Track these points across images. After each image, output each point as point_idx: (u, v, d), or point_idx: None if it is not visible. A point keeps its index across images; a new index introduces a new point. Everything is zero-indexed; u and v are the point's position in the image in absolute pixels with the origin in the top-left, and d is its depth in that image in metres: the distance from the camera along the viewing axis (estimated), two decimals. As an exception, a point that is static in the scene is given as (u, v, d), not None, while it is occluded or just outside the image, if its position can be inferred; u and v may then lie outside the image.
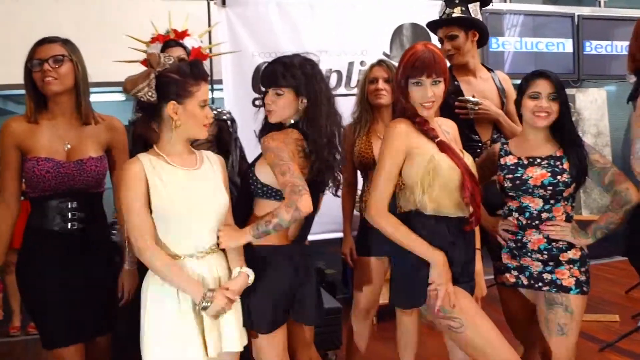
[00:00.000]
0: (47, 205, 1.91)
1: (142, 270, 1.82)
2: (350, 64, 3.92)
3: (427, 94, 1.77)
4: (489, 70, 2.68)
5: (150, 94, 1.60)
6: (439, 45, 2.46)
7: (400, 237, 1.77)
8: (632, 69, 2.11)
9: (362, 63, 3.92)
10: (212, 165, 1.78)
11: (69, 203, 1.92)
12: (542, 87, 1.95)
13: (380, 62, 2.51)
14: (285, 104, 1.80)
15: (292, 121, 1.83)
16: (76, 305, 1.89)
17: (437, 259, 1.75)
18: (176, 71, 1.64)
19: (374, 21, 4.01)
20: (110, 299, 2.03)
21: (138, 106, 1.70)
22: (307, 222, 1.89)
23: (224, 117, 2.61)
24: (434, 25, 2.62)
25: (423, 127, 1.82)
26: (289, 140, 1.76)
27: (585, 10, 5.37)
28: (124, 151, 2.04)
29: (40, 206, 1.92)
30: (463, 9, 2.51)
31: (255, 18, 3.74)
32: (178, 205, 1.63)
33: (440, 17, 2.56)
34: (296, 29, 3.80)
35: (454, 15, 2.50)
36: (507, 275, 2.06)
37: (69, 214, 1.92)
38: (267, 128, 1.91)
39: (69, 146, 1.91)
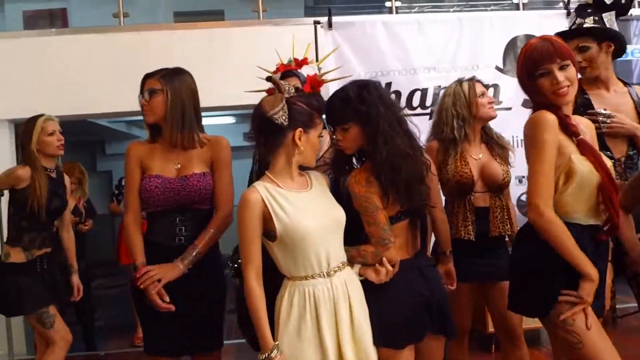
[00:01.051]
0: (157, 221, 2.04)
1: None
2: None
3: (558, 78, 1.66)
4: (626, 84, 2.44)
5: (284, 117, 1.66)
6: None
7: (564, 243, 1.63)
8: None
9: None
10: (320, 184, 1.82)
11: (176, 218, 2.02)
12: None
13: (477, 79, 2.51)
14: (353, 138, 1.79)
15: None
16: (178, 319, 1.94)
17: (593, 276, 1.63)
18: (305, 102, 1.72)
19: (484, 35, 3.89)
20: (216, 316, 2.08)
21: (257, 130, 1.73)
22: (423, 237, 1.90)
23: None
24: (563, 36, 2.41)
25: (565, 121, 1.69)
26: (371, 179, 1.75)
27: None
28: (225, 166, 2.08)
29: (152, 222, 2.06)
30: (596, 18, 2.33)
31: (361, 38, 3.77)
32: (303, 226, 1.66)
33: (570, 27, 2.39)
34: (404, 47, 3.77)
35: (585, 25, 2.32)
36: None
37: (176, 229, 2.01)
38: (340, 160, 1.90)
39: (178, 166, 2.04)
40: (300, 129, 1.68)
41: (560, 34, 2.41)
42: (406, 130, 1.81)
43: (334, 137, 1.85)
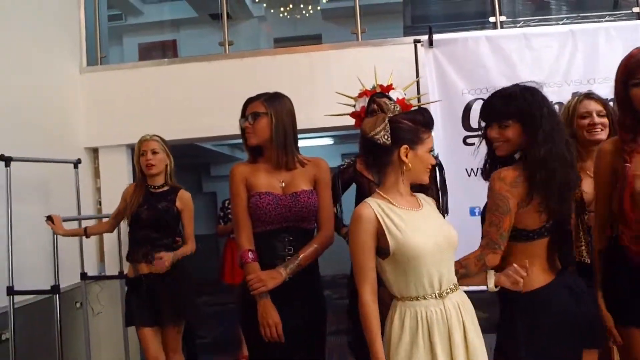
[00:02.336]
0: (266, 241, 2.05)
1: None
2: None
3: None
4: None
5: (386, 137, 1.67)
6: None
7: None
8: None
9: (588, 94, 3.49)
10: (429, 204, 1.82)
11: (285, 238, 2.04)
12: None
13: (590, 95, 2.35)
14: (512, 136, 1.76)
15: (518, 155, 1.78)
16: (283, 341, 1.94)
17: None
18: (409, 119, 1.71)
19: (600, 47, 3.58)
20: (317, 337, 2.08)
21: (364, 150, 1.76)
22: (568, 252, 1.86)
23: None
24: None
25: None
26: (519, 181, 1.71)
27: None
28: (327, 187, 2.13)
29: (260, 241, 2.06)
30: None
31: (463, 55, 3.64)
32: (416, 244, 1.63)
33: None
34: (510, 62, 3.58)
35: None
36: None
37: (285, 249, 2.03)
38: (495, 164, 1.86)
39: (283, 184, 2.08)
40: (406, 145, 1.68)
41: None
42: (564, 137, 1.78)
43: (486, 136, 1.82)
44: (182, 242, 2.99)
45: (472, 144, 3.48)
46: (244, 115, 2.10)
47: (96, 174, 4.41)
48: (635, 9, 4.14)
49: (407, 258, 1.63)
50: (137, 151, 2.96)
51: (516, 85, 1.81)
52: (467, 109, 3.54)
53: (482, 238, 1.74)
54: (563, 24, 4.95)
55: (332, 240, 2.11)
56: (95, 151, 4.42)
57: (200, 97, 4.25)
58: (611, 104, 3.39)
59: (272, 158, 2.07)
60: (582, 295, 1.76)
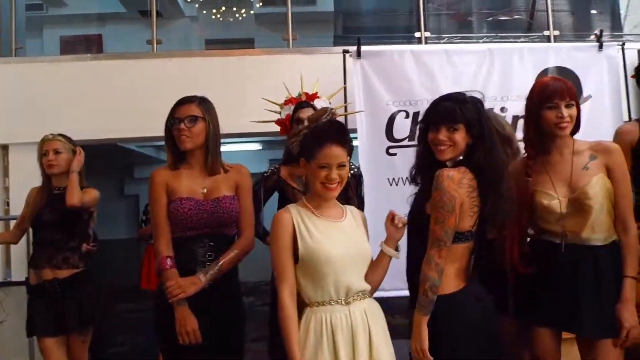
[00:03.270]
0: (185, 247, 2.02)
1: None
2: (490, 111, 3.71)
3: (563, 113, 1.90)
4: None
5: (296, 147, 1.81)
6: None
7: None
8: None
9: (502, 109, 3.72)
10: (355, 219, 1.86)
11: (207, 244, 2.03)
12: None
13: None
14: (460, 140, 1.79)
15: (461, 158, 1.82)
16: (201, 347, 1.93)
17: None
18: (312, 132, 1.80)
19: (514, 67, 3.82)
20: (236, 343, 2.09)
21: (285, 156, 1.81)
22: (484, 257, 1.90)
23: (350, 173, 2.50)
24: None
25: None
26: (464, 182, 1.75)
27: None
28: (248, 193, 2.15)
29: (180, 247, 2.02)
30: None
31: (389, 67, 3.74)
32: (324, 251, 1.69)
33: None
34: (432, 77, 3.72)
35: None
36: None
37: (205, 255, 2.02)
38: (431, 167, 1.85)
39: (205, 190, 2.06)
40: (303, 158, 1.77)
41: None
42: (504, 149, 1.95)
43: (442, 138, 1.79)
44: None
45: (395, 154, 3.64)
46: (174, 116, 2.04)
47: (5, 172, 4.14)
48: (546, 32, 4.44)
49: (314, 264, 1.69)
50: (40, 151, 2.80)
51: (463, 93, 1.86)
52: (391, 120, 3.65)
53: (428, 237, 1.74)
54: (483, 42, 5.24)
55: (252, 245, 2.13)
56: (4, 148, 4.16)
57: (124, 96, 4.09)
58: (521, 121, 3.69)
59: (201, 163, 2.06)
60: (488, 306, 1.82)
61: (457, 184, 1.73)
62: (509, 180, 1.88)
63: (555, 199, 1.90)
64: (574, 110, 1.92)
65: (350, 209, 1.88)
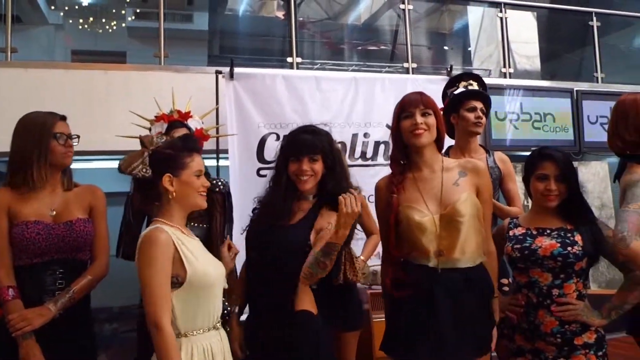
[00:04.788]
0: (32, 276, 1.90)
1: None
2: (354, 136, 3.98)
3: (417, 120, 1.84)
4: (486, 151, 2.70)
5: (144, 170, 1.66)
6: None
7: None
8: (620, 150, 2.01)
9: (365, 135, 3.99)
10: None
11: (57, 271, 1.92)
12: (549, 169, 1.92)
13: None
14: (319, 170, 1.92)
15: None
16: None
17: None
18: (169, 146, 1.72)
19: (376, 95, 4.10)
20: None
21: (136, 185, 1.75)
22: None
23: (216, 190, 2.49)
24: (460, 99, 2.64)
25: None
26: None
27: (584, 86, 5.51)
28: (103, 216, 2.08)
29: (25, 275, 1.90)
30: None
31: (261, 90, 3.83)
32: (208, 274, 1.65)
33: (466, 89, 2.63)
34: (302, 101, 3.88)
35: (477, 87, 2.62)
36: (520, 359, 1.96)
37: (56, 283, 1.91)
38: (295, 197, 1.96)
39: (54, 212, 1.95)
40: (168, 174, 1.67)
41: (465, 94, 2.64)
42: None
43: (305, 168, 1.91)
44: None
45: (265, 176, 3.71)
46: (60, 131, 1.96)
47: None
48: (405, 64, 4.86)
49: (201, 287, 1.62)
50: None
51: (313, 125, 2.00)
52: (262, 142, 3.73)
53: None
54: (352, 70, 5.59)
55: (106, 272, 2.04)
56: None
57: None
58: (382, 146, 3.99)
59: (53, 182, 1.97)
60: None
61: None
62: (377, 198, 1.96)
63: (427, 216, 1.82)
64: (431, 119, 1.85)
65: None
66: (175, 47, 4.59)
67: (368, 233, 2.60)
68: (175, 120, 3.02)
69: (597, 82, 5.73)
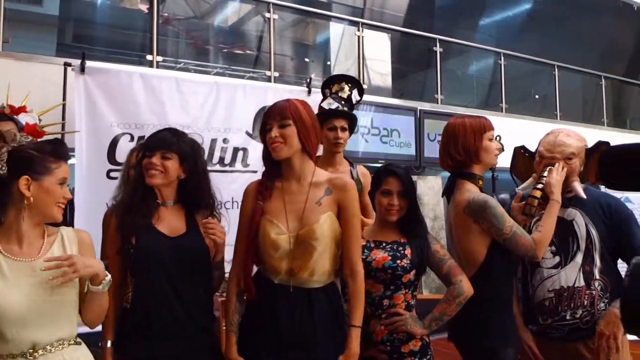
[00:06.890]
0: None
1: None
2: (214, 141, 3.96)
3: (272, 133, 1.81)
4: (350, 164, 2.82)
5: (2, 167, 1.51)
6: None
7: None
8: (450, 168, 2.21)
9: (224, 140, 4.00)
10: (67, 249, 1.62)
11: None
12: (393, 185, 2.07)
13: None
14: (170, 167, 1.88)
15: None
16: None
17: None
18: (35, 147, 1.57)
19: (237, 101, 4.11)
20: None
21: None
22: None
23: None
24: (328, 115, 2.65)
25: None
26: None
27: (426, 106, 6.10)
28: None
29: None
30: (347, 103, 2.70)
31: (116, 88, 3.65)
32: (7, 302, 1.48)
33: (337, 107, 2.65)
34: (161, 102, 3.76)
35: (345, 108, 2.66)
36: None
37: None
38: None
39: None
40: (26, 176, 1.51)
41: (334, 111, 2.65)
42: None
43: (154, 161, 1.87)
44: None
45: (116, 178, 3.54)
46: None
47: None
48: (268, 73, 4.96)
49: None
50: None
51: (183, 131, 2.00)
52: (115, 143, 3.56)
53: None
54: (216, 72, 5.55)
55: None
56: None
57: None
58: (240, 152, 4.03)
59: None
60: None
61: None
62: (244, 201, 1.94)
63: (283, 234, 1.81)
64: (289, 130, 1.80)
65: (66, 234, 1.65)
66: (18, 31, 4.19)
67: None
68: (1, 113, 2.77)
69: (437, 102, 6.38)
